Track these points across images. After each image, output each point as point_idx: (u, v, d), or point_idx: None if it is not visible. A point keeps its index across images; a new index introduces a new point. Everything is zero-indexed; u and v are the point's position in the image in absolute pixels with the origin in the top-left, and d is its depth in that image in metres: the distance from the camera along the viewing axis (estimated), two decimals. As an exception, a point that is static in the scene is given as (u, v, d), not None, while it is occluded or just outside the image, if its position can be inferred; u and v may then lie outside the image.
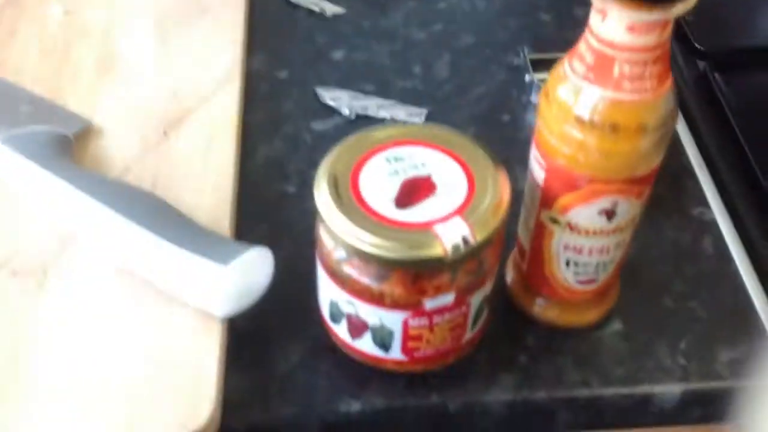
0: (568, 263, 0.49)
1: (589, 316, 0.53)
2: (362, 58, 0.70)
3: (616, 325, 0.54)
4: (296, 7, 0.74)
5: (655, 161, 0.45)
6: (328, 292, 0.48)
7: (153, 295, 0.51)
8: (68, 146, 0.58)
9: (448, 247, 0.43)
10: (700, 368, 0.52)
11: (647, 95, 0.41)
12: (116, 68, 0.65)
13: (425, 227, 0.43)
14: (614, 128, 0.42)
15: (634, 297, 0.55)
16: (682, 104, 0.64)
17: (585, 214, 0.46)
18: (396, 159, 0.46)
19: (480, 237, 0.43)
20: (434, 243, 0.43)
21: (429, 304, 0.45)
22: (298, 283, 0.52)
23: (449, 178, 0.46)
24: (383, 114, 0.64)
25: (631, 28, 0.39)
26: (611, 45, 0.40)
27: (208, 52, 0.66)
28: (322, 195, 0.45)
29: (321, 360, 0.52)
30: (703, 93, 0.68)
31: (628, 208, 0.46)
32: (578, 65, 0.42)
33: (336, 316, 0.48)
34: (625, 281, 0.55)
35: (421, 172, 0.46)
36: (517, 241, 0.52)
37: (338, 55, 0.70)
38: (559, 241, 0.48)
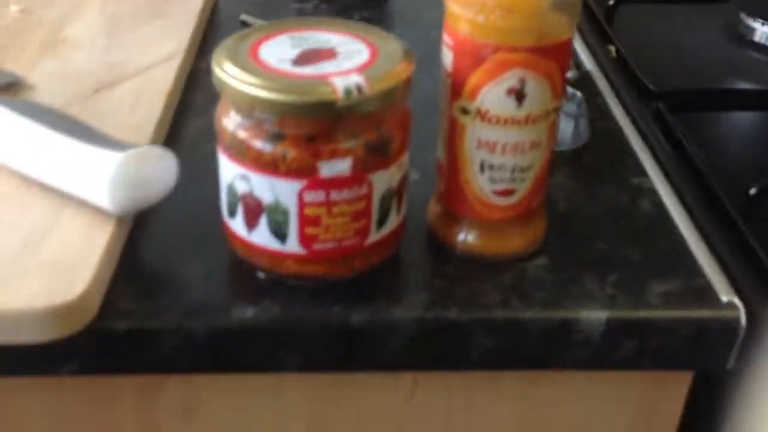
0: (482, 167, 0.47)
1: (513, 243, 0.50)
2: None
3: (543, 260, 0.50)
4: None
5: (561, 32, 0.44)
6: (225, 178, 0.45)
7: (52, 196, 0.49)
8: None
9: (340, 90, 0.41)
10: (629, 298, 0.48)
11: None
12: (59, 48, 0.66)
13: (320, 78, 0.42)
14: (513, -23, 0.41)
15: (565, 241, 0.52)
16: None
17: (493, 95, 0.44)
18: (301, 38, 0.46)
19: (375, 89, 0.41)
20: (327, 88, 0.41)
21: (325, 169, 0.42)
22: (211, 214, 0.50)
23: (353, 51, 0.44)
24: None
25: None
26: None
27: (154, 44, 0.67)
28: (218, 57, 0.43)
29: (220, 273, 0.48)
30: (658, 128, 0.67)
31: (538, 91, 0.44)
32: None
33: (232, 206, 0.46)
34: (555, 226, 0.52)
35: (324, 46, 0.45)
36: (437, 164, 0.50)
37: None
38: (471, 137, 0.46)
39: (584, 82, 0.69)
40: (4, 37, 0.67)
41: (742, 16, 0.87)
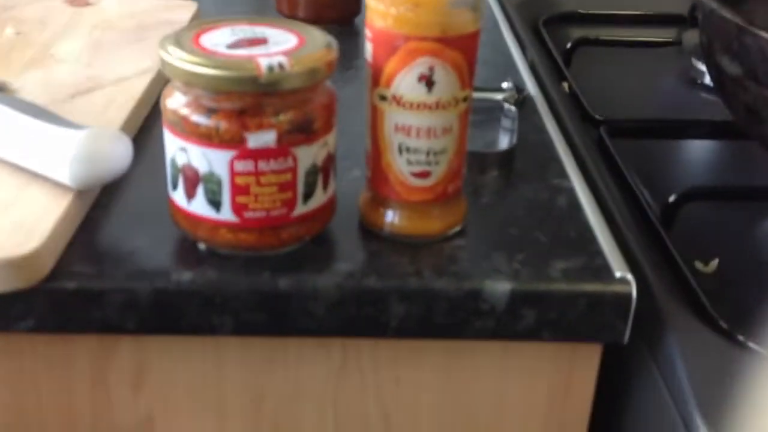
0: (401, 150, 0.52)
1: (433, 225, 0.55)
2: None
3: (460, 241, 0.55)
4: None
5: (466, 26, 0.50)
6: (168, 152, 0.51)
7: (20, 173, 0.55)
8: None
9: (263, 67, 0.47)
10: (532, 273, 0.53)
11: (445, -54, 0.47)
12: (45, 62, 0.73)
13: (248, 58, 0.48)
14: (418, -26, 0.48)
15: (482, 226, 0.57)
16: (581, 164, 0.69)
17: (406, 82, 0.50)
18: (241, 30, 0.52)
19: (296, 67, 0.47)
20: (251, 65, 0.47)
21: (252, 140, 0.48)
22: (162, 196, 0.56)
23: (283, 40, 0.51)
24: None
25: None
26: None
27: (132, 61, 0.74)
28: (163, 42, 0.50)
29: (165, 245, 0.54)
30: (599, 151, 0.73)
31: (446, 79, 0.50)
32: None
33: (174, 178, 0.51)
34: (476, 215, 0.57)
35: (259, 36, 0.51)
36: (365, 151, 0.55)
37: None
38: (390, 122, 0.52)
39: (525, 102, 0.75)
40: (-4, 54, 0.74)
41: (694, 60, 0.93)
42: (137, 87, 0.69)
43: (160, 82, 0.72)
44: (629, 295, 0.52)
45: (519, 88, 0.76)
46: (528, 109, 0.74)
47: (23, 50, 0.75)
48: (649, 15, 1.09)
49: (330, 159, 0.52)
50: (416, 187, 0.53)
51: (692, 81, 0.92)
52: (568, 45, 0.95)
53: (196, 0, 0.90)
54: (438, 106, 0.51)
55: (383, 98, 0.51)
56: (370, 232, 0.56)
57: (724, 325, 0.51)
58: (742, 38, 0.58)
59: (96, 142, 0.53)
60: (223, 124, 0.48)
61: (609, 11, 1.10)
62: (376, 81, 0.51)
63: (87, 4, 0.87)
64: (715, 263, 0.59)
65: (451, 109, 0.51)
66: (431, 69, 0.50)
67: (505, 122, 0.70)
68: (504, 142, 0.68)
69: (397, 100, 0.51)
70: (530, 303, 0.52)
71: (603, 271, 0.53)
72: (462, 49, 0.50)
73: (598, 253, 0.55)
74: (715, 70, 0.65)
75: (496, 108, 0.72)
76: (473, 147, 0.59)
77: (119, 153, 0.54)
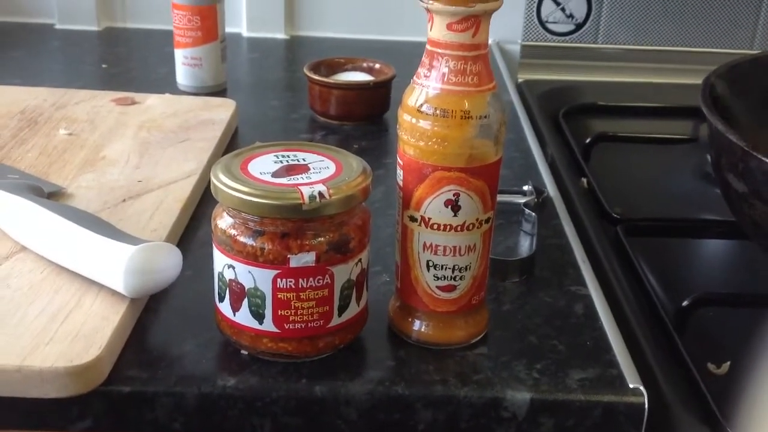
0: (428, 266, 0.57)
1: (458, 334, 0.59)
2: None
3: (483, 349, 0.60)
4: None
5: (488, 156, 0.54)
6: (216, 267, 0.56)
7: (79, 280, 0.60)
8: (41, 194, 0.69)
9: (306, 196, 0.52)
10: (551, 382, 0.57)
11: (470, 89, 0.52)
12: (97, 165, 0.78)
13: (292, 186, 0.53)
14: (444, 114, 0.53)
15: (504, 335, 0.61)
16: (598, 266, 0.73)
17: (434, 206, 0.55)
18: (283, 156, 0.57)
19: (335, 195, 0.52)
20: (295, 194, 0.52)
21: (294, 260, 0.53)
22: (207, 302, 0.60)
23: (322, 167, 0.56)
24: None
25: (450, 26, 0.52)
26: (437, 44, 0.52)
27: (177, 164, 0.79)
28: (215, 170, 0.55)
29: (210, 350, 0.58)
30: (615, 250, 0.77)
31: (470, 204, 0.55)
32: (420, 72, 0.54)
33: (222, 291, 0.56)
34: (498, 322, 0.62)
35: (300, 162, 0.56)
36: (394, 266, 0.60)
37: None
38: (418, 240, 0.56)
39: (545, 203, 0.79)
40: (53, 155, 0.80)
41: (709, 156, 0.98)
42: (183, 190, 0.74)
43: (203, 183, 0.77)
44: (642, 405, 0.56)
45: (539, 190, 0.81)
46: (548, 211, 0.79)
47: (76, 152, 0.81)
48: (666, 108, 1.14)
49: (363, 273, 0.57)
50: (442, 300, 0.58)
51: (707, 175, 0.96)
52: (588, 140, 1.00)
53: (233, 98, 0.96)
54: (463, 228, 0.55)
55: (413, 219, 0.56)
56: (398, 337, 0.60)
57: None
58: (747, 160, 0.62)
59: (149, 255, 0.58)
60: (268, 246, 0.53)
61: (627, 103, 1.15)
62: (406, 203, 0.56)
63: (133, 102, 0.93)
64: (727, 365, 0.62)
65: (474, 230, 0.56)
66: (456, 195, 0.54)
67: (526, 226, 0.75)
68: (524, 247, 0.73)
69: (426, 222, 0.55)
70: (549, 412, 0.56)
71: (617, 382, 0.57)
72: (485, 177, 0.55)
73: (613, 363, 0.58)
74: (723, 183, 0.69)
75: (516, 211, 0.77)
76: (495, 252, 0.64)
77: (171, 264, 0.59)
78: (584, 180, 0.92)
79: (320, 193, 0.52)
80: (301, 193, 0.52)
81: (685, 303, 0.67)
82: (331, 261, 0.54)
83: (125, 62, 1.17)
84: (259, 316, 0.55)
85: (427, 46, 0.53)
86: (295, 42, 1.30)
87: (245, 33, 1.30)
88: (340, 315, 0.56)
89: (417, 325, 0.59)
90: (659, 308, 0.67)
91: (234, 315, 0.56)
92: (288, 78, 1.14)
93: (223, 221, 0.55)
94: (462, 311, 0.59)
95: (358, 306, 0.57)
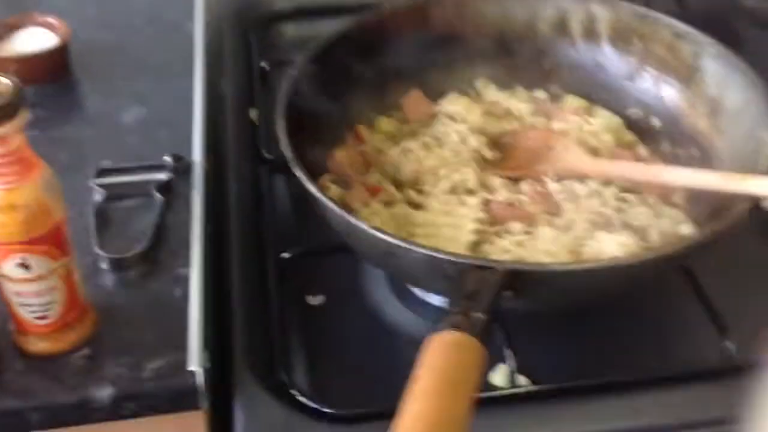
0: (21, 304, 0.73)
1: (59, 345, 0.76)
2: None
3: (86, 351, 0.77)
4: None
5: (45, 225, 0.69)
6: None
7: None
8: None
9: None
10: (131, 375, 0.75)
11: (11, 186, 0.66)
12: None
13: None
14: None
15: (104, 334, 0.78)
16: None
17: (10, 267, 0.70)
18: None
19: None
20: None
21: None
22: None
23: None
24: None
25: (-19, 141, 0.65)
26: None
27: None
28: None
29: None
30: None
31: (38, 262, 0.70)
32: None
33: None
34: (106, 325, 0.78)
35: None
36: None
37: None
38: (9, 291, 0.72)
39: (189, 173, 0.94)
40: None
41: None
42: None
43: None
44: (198, 387, 0.74)
45: (177, 157, 0.93)
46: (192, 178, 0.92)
47: None
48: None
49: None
50: (41, 325, 0.74)
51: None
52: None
53: None
54: (38, 278, 0.71)
55: (3, 276, 0.71)
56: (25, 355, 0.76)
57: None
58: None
59: None
60: None
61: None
62: (-4, 265, 0.71)
63: None
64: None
65: (50, 277, 0.72)
66: (25, 259, 0.70)
67: (154, 211, 0.88)
68: (147, 236, 0.86)
69: (9, 278, 0.71)
70: (131, 399, 0.74)
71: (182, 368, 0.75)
72: (47, 242, 0.70)
73: (182, 347, 0.76)
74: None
75: (148, 193, 0.90)
76: (116, 246, 0.81)
77: None
78: (253, 112, 1.01)
79: None
80: None
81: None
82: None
83: None
84: None
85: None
86: None
87: None
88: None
89: (31, 342, 0.76)
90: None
91: None
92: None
93: None
94: (59, 330, 0.75)
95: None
